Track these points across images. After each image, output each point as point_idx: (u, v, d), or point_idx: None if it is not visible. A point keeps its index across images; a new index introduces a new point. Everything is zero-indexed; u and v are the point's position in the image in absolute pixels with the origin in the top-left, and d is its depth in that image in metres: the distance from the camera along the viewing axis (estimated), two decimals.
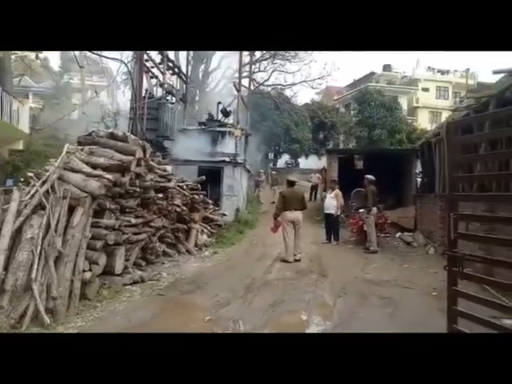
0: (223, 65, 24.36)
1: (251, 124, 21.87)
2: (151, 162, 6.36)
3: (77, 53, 14.04)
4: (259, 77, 25.48)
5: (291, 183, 8.25)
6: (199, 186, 9.24)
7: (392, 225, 10.71)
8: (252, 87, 24.32)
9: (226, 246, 9.37)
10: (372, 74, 38.53)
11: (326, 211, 10.23)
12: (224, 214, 10.78)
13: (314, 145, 28.38)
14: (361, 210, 9.82)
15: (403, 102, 31.12)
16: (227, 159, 13.01)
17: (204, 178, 9.71)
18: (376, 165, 14.72)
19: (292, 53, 23.88)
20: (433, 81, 38.45)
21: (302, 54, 24.08)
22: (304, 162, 30.14)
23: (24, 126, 11.37)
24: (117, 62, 9.47)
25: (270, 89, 26.22)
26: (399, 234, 10.60)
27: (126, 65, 9.50)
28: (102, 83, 22.80)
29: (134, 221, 5.70)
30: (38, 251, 4.00)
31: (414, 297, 5.36)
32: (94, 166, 5.17)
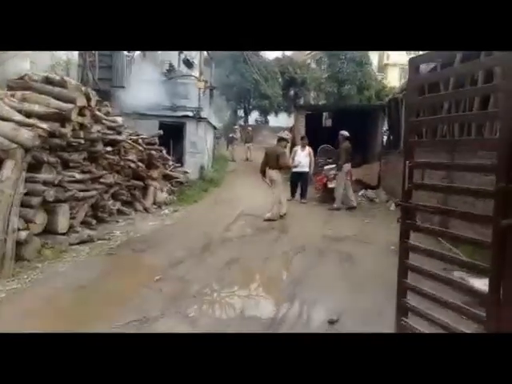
0: None
1: (217, 77, 20.85)
2: (97, 112, 5.77)
3: None
4: None
5: (279, 140, 7.88)
6: (157, 140, 8.66)
7: (357, 182, 10.72)
8: None
9: (188, 203, 9.05)
10: None
11: (295, 169, 9.61)
12: (186, 172, 10.34)
13: (284, 102, 27.72)
14: (326, 167, 9.71)
15: (374, 58, 30.57)
16: (190, 114, 12.34)
17: (161, 132, 9.11)
18: (344, 121, 14.53)
19: None
20: None
21: None
22: (274, 120, 29.60)
23: None
24: None
25: None
26: (363, 191, 10.64)
27: None
28: None
29: (78, 176, 5.22)
30: None
31: (373, 252, 5.35)
32: (28, 114, 4.56)
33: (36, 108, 4.59)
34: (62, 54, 17.91)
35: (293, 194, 9.91)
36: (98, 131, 5.67)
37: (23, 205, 4.27)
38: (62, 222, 4.88)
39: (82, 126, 5.33)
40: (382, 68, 35.87)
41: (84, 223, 5.83)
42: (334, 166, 9.85)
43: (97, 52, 9.95)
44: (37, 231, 4.43)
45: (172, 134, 12.70)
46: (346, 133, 9.06)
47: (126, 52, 11.36)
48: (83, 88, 5.29)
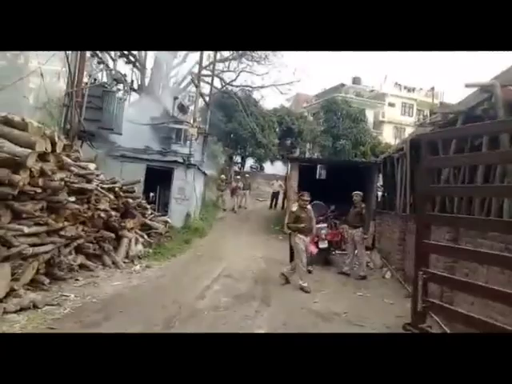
0: (189, 60, 23.18)
1: (215, 124, 20.83)
2: (65, 158, 5.18)
3: None
4: (227, 76, 24.47)
5: (304, 200, 7.25)
6: (134, 187, 8.06)
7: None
8: (219, 86, 23.36)
9: (164, 258, 8.25)
10: (342, 85, 38.64)
11: None
12: (166, 221, 9.64)
13: (280, 151, 27.73)
14: (318, 226, 9.04)
15: (370, 116, 31.23)
16: (180, 159, 11.88)
17: (141, 179, 8.56)
18: (338, 176, 14.19)
19: (261, 54, 23.08)
20: (399, 97, 39.15)
21: (271, 56, 23.34)
22: (270, 167, 29.47)
23: None
24: None
25: (237, 89, 25.25)
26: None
27: None
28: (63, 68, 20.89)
29: (26, 230, 4.50)
30: None
31: None
32: None
33: None
34: (56, 91, 17.82)
35: (292, 259, 8.89)
36: (62, 179, 5.05)
37: None
38: None
39: (42, 172, 4.72)
40: (378, 125, 36.65)
41: (33, 283, 5.04)
42: (325, 224, 9.25)
43: (86, 92, 9.63)
44: None
45: (160, 180, 12.19)
46: (360, 193, 8.59)
47: (118, 94, 11.12)
48: (47, 131, 4.75)
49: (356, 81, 40.29)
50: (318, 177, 15.89)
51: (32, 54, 21.99)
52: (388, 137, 34.40)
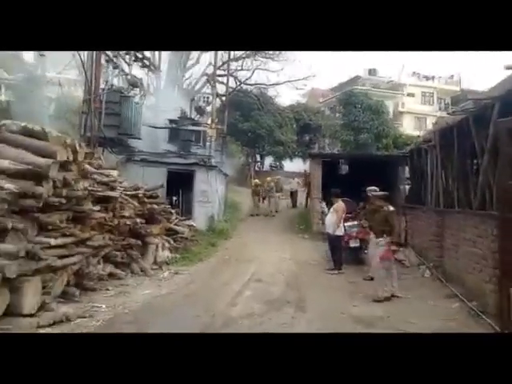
0: (203, 61, 23.03)
1: (232, 124, 20.63)
2: (87, 166, 5.04)
3: None
4: (241, 75, 24.22)
5: (377, 197, 6.66)
6: (159, 193, 7.90)
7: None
8: (234, 85, 23.13)
9: (192, 263, 8.07)
10: (357, 77, 37.80)
11: (326, 229, 8.31)
12: (191, 225, 9.47)
13: (298, 147, 27.35)
14: (347, 224, 8.65)
15: (389, 107, 30.43)
16: (200, 162, 11.71)
17: (163, 184, 8.38)
18: (361, 171, 13.72)
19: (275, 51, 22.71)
20: (418, 86, 38.05)
21: (285, 52, 22.93)
22: (289, 165, 29.10)
23: None
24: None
25: (252, 88, 24.99)
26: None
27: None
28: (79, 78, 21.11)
29: (53, 242, 4.36)
30: None
31: None
32: None
33: (6, 164, 3.86)
34: (74, 100, 17.95)
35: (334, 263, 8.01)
36: (86, 188, 4.90)
37: None
38: (29, 302, 3.96)
39: (65, 182, 4.57)
40: (397, 115, 35.72)
41: (64, 295, 4.92)
42: (355, 222, 8.86)
43: (104, 98, 9.55)
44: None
45: (182, 183, 12.06)
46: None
47: (135, 99, 11.03)
48: (68, 140, 4.60)
49: (372, 72, 39.35)
50: (340, 172, 15.42)
51: (49, 63, 22.39)
52: (408, 127, 33.48)
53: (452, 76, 38.37)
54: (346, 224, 8.58)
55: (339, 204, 8.11)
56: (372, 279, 6.93)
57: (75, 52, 8.35)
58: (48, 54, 17.15)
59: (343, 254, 8.13)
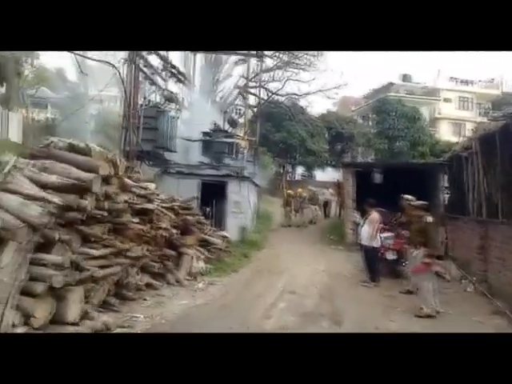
0: (235, 73, 23.49)
1: (263, 135, 20.79)
2: (127, 180, 5.25)
3: (80, 60, 13.24)
4: (272, 86, 24.43)
5: (416, 207, 6.39)
6: (193, 204, 8.07)
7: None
8: (265, 97, 23.35)
9: (226, 274, 8.13)
10: (391, 84, 37.06)
11: (360, 241, 8.10)
12: (225, 236, 9.57)
13: (330, 157, 27.09)
14: (383, 235, 8.40)
15: (424, 113, 29.55)
16: (233, 173, 11.87)
17: (198, 195, 8.55)
18: (397, 180, 13.35)
19: (306, 61, 22.79)
20: (455, 91, 36.72)
21: (316, 62, 22.96)
22: (321, 175, 28.85)
23: (14, 135, 10.57)
24: (108, 65, 8.66)
25: (283, 98, 25.13)
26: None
27: (115, 68, 8.57)
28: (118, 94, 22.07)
29: (96, 253, 4.56)
30: None
31: None
32: (44, 186, 4.08)
33: (53, 179, 4.11)
34: (114, 115, 18.73)
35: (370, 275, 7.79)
36: (125, 201, 5.11)
37: (25, 293, 3.61)
38: (73, 310, 4.14)
39: (106, 195, 4.79)
40: (433, 122, 34.61)
41: (105, 304, 5.11)
42: (391, 233, 8.61)
43: (142, 114, 9.96)
44: (38, 325, 3.70)
45: (215, 194, 12.26)
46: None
47: (171, 113, 11.40)
48: (109, 155, 4.83)
49: (406, 78, 38.46)
50: (374, 182, 15.08)
51: (90, 81, 23.73)
52: (445, 134, 32.34)
53: (492, 79, 36.78)
54: (381, 235, 8.36)
55: (374, 214, 7.92)
56: (409, 292, 6.70)
57: (115, 70, 8.77)
58: (90, 71, 18.14)
59: (379, 266, 7.91)
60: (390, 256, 8.02)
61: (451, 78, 37.19)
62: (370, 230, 7.74)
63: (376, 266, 7.78)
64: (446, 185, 12.90)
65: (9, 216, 3.61)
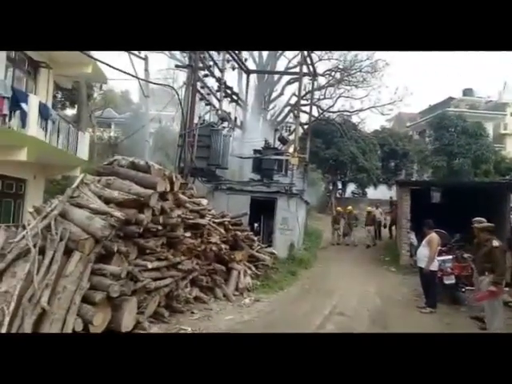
0: (287, 92, 23.79)
1: (313, 152, 20.70)
2: (181, 196, 5.51)
3: (143, 84, 14.23)
4: (324, 103, 24.36)
5: (482, 230, 5.96)
6: (242, 220, 8.21)
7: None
8: (316, 114, 23.33)
9: (272, 291, 8.10)
10: (450, 99, 35.29)
11: (417, 263, 7.71)
12: (272, 253, 9.57)
13: (383, 174, 26.18)
14: (440, 258, 7.92)
15: (488, 129, 27.66)
16: (282, 190, 11.92)
17: (247, 212, 8.70)
18: (457, 200, 12.55)
19: (359, 78, 22.51)
20: None
21: (369, 78, 22.58)
22: (372, 192, 27.91)
23: (83, 153, 11.50)
24: (168, 88, 9.26)
25: (335, 115, 24.91)
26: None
27: (175, 90, 9.10)
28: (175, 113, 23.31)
29: (150, 265, 4.79)
30: (11, 309, 3.20)
31: None
32: (107, 201, 4.41)
33: (115, 194, 4.44)
34: (171, 134, 19.67)
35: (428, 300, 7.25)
36: (179, 216, 5.35)
37: (86, 301, 3.89)
38: (127, 320, 4.37)
39: (162, 210, 5.05)
40: (499, 138, 32.25)
41: (156, 315, 5.33)
42: (450, 256, 8.09)
43: (197, 132, 10.42)
44: (96, 332, 3.95)
45: (263, 210, 12.37)
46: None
47: (224, 132, 11.80)
48: (166, 172, 5.11)
49: (467, 92, 36.44)
50: (432, 201, 14.28)
51: (151, 102, 25.44)
52: None
53: None
54: (439, 258, 7.87)
55: (433, 236, 7.48)
56: (478, 319, 6.21)
57: (174, 91, 9.30)
58: (151, 93, 19.42)
59: (436, 291, 7.43)
60: (448, 281, 7.52)
61: None
62: (428, 252, 7.33)
63: (433, 290, 7.32)
64: None
65: (75, 228, 3.95)
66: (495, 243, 5.72)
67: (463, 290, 7.87)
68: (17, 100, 7.42)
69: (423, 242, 7.66)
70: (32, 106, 7.84)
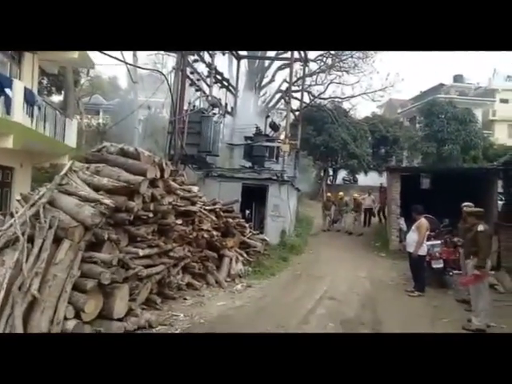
0: (278, 78, 23.56)
1: (304, 138, 20.65)
2: (172, 183, 5.47)
3: (132, 69, 13.94)
4: (315, 90, 24.19)
5: (469, 214, 6.03)
6: (234, 207, 8.20)
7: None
8: (307, 100, 23.19)
9: (264, 277, 8.18)
10: (441, 85, 35.36)
11: (406, 248, 7.84)
12: (264, 240, 9.62)
13: (374, 160, 26.28)
14: (429, 243, 8.04)
15: (478, 115, 27.86)
16: (273, 176, 11.92)
17: (239, 199, 8.69)
18: (446, 185, 12.71)
19: (351, 63, 22.38)
20: None
21: (361, 64, 22.44)
22: (363, 179, 28.08)
23: (70, 140, 11.29)
24: (157, 73, 9.08)
25: (326, 102, 24.79)
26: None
27: (164, 76, 8.94)
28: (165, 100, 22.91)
29: (141, 252, 4.78)
30: (1, 297, 3.18)
31: None
32: (96, 188, 4.36)
33: (105, 181, 4.38)
34: (160, 121, 19.45)
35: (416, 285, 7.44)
36: (170, 203, 5.32)
37: (77, 288, 3.87)
38: (119, 307, 4.37)
39: (153, 197, 5.02)
40: (488, 124, 32.56)
41: (148, 302, 5.34)
42: (438, 241, 8.23)
43: (187, 119, 10.29)
44: (88, 320, 3.95)
45: (255, 197, 12.38)
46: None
47: (215, 118, 11.68)
48: (156, 159, 5.06)
49: (458, 79, 36.57)
50: (421, 187, 14.43)
51: (140, 89, 24.98)
52: (501, 137, 30.27)
53: None
54: (428, 243, 8.00)
55: (422, 221, 7.59)
56: (464, 302, 6.34)
57: (164, 77, 9.13)
58: (139, 79, 19.05)
59: (425, 275, 7.58)
60: (436, 265, 7.67)
61: (508, 77, 34.84)
62: (417, 237, 7.44)
63: (422, 274, 7.46)
64: (501, 191, 12.12)
65: (65, 216, 3.90)
66: (480, 227, 5.75)
67: (451, 273, 8.05)
68: (1, 85, 7.23)
69: (412, 228, 7.77)
70: (17, 92, 7.64)
